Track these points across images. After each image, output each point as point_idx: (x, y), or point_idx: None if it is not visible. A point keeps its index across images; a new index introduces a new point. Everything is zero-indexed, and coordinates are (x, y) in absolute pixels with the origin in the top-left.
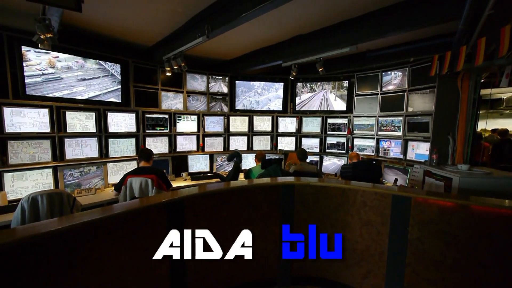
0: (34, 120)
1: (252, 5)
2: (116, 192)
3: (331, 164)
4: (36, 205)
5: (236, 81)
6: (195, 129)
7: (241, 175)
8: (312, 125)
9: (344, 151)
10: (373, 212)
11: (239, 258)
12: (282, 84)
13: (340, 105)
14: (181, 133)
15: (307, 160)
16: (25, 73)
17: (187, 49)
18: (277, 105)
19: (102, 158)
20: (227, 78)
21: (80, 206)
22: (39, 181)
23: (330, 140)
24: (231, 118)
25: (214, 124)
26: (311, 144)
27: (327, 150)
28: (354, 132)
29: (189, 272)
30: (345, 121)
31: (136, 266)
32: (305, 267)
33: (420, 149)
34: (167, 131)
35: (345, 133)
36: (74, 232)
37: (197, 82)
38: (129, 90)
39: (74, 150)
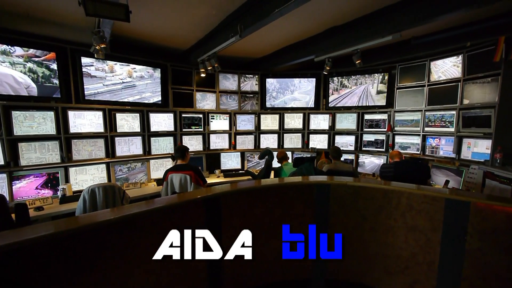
0: (91, 121)
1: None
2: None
3: (369, 163)
4: (94, 196)
5: (267, 79)
6: (227, 128)
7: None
8: (347, 121)
9: (383, 149)
10: (421, 217)
11: (273, 255)
12: (314, 79)
13: (379, 100)
14: (214, 132)
15: (341, 159)
16: (110, 82)
17: (220, 49)
18: (303, 102)
19: (146, 155)
20: (257, 77)
21: (128, 198)
22: (96, 175)
23: (367, 138)
24: (262, 116)
25: (245, 122)
26: (345, 142)
27: (364, 148)
28: (395, 128)
29: (225, 267)
30: (384, 117)
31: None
32: (341, 271)
33: (479, 147)
34: (201, 129)
35: (385, 130)
36: (126, 222)
37: (228, 82)
38: (167, 92)
39: (122, 148)
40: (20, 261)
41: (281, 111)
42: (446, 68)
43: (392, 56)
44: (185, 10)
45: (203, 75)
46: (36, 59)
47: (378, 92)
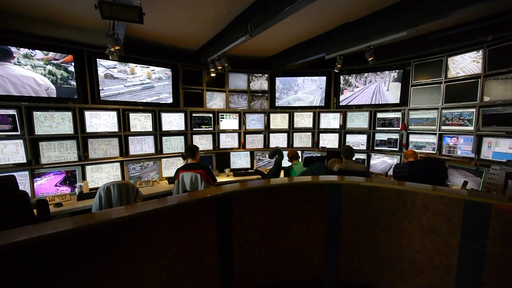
0: (106, 121)
1: None
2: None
3: (381, 162)
4: (109, 193)
5: (277, 78)
6: (236, 127)
7: (282, 173)
8: (358, 120)
9: (396, 149)
10: (438, 219)
11: (282, 255)
12: (317, 79)
13: (393, 98)
14: (224, 131)
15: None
16: (131, 83)
17: (230, 49)
18: (307, 102)
19: (157, 154)
20: (267, 75)
21: (142, 195)
22: (110, 173)
23: (379, 137)
24: (271, 115)
25: (254, 121)
26: (357, 141)
27: (376, 148)
28: (410, 127)
29: (235, 265)
30: (398, 115)
31: (189, 254)
32: (353, 272)
33: (501, 147)
34: (211, 129)
35: (398, 128)
36: (140, 219)
37: (238, 81)
38: (178, 92)
39: (136, 146)
40: (45, 253)
41: (290, 110)
42: (465, 64)
43: (407, 52)
44: (196, 10)
45: (213, 74)
46: (55, 61)
47: (391, 90)
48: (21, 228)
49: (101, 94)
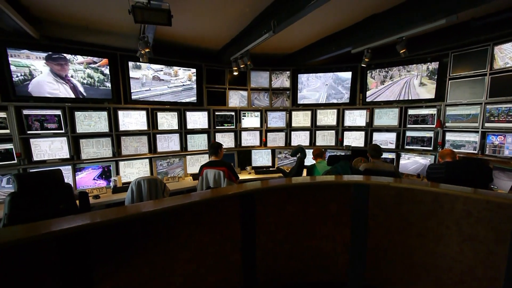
0: (137, 120)
1: None
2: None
3: (412, 162)
4: (140, 187)
5: (299, 74)
6: (258, 125)
7: (305, 171)
8: (387, 117)
9: (430, 148)
10: (482, 226)
11: (305, 255)
12: (349, 73)
13: (426, 93)
14: (246, 129)
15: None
16: (173, 85)
17: (253, 47)
18: (312, 100)
19: (183, 151)
20: (289, 72)
21: (169, 191)
22: (140, 169)
23: (410, 135)
24: (293, 113)
25: (276, 119)
26: (384, 139)
27: (407, 147)
28: (447, 124)
29: (258, 262)
30: (432, 111)
31: (214, 248)
32: (381, 278)
33: None
34: (233, 127)
35: (433, 126)
36: (168, 213)
37: (260, 79)
38: (202, 91)
39: (163, 144)
40: (89, 241)
41: (313, 107)
42: None
43: (444, 42)
44: (219, 9)
45: (235, 73)
46: (93, 65)
47: (425, 84)
48: (69, 216)
49: (145, 94)
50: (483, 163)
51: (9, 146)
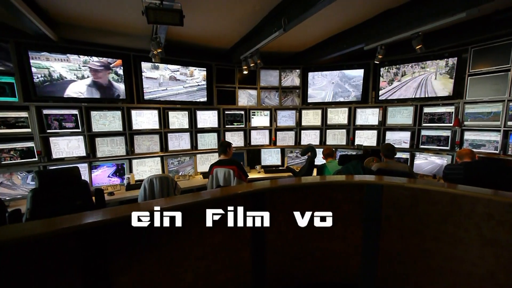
0: (149, 119)
1: None
2: None
3: (427, 163)
4: (152, 185)
5: (309, 73)
6: (267, 124)
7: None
8: (401, 116)
9: (447, 147)
10: (505, 230)
11: (316, 255)
12: (357, 71)
13: (443, 90)
14: (255, 128)
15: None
16: (189, 85)
17: (263, 45)
18: (318, 98)
19: (193, 150)
20: (299, 71)
21: (179, 188)
22: (152, 167)
23: (426, 134)
24: (303, 112)
25: (286, 118)
26: (398, 139)
27: (422, 146)
28: (465, 123)
29: (268, 261)
30: (450, 109)
31: (226, 246)
32: (395, 280)
33: None
34: (243, 126)
35: (451, 124)
36: (185, 208)
37: (269, 78)
38: (212, 90)
39: (174, 143)
40: (106, 235)
41: (324, 106)
42: None
43: (463, 37)
44: (229, 8)
45: (245, 72)
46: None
47: (442, 81)
48: (87, 212)
49: (162, 94)
50: (504, 163)
51: (30, 144)
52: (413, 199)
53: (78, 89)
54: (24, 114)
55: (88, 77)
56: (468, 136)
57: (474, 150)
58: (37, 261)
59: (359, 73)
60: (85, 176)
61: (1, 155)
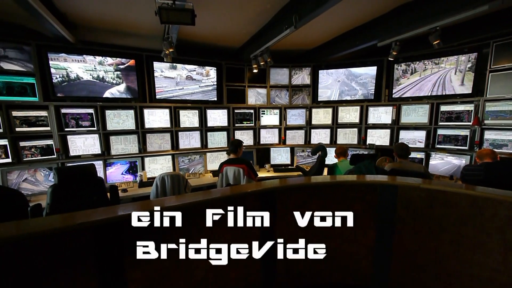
0: (160, 118)
1: None
2: None
3: (444, 163)
4: (164, 183)
5: (320, 71)
6: (277, 123)
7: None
8: (416, 114)
9: (466, 147)
10: None
11: (326, 256)
12: (369, 68)
13: (462, 87)
14: (265, 127)
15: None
16: (204, 84)
17: (273, 43)
18: (324, 97)
19: (203, 148)
20: (309, 69)
21: (190, 186)
22: (164, 165)
23: (442, 133)
24: (313, 110)
25: (295, 117)
26: (413, 138)
27: (438, 146)
28: (486, 121)
29: (278, 261)
30: (469, 107)
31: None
32: (406, 284)
33: None
34: (252, 124)
35: (469, 123)
36: (190, 209)
37: (279, 76)
38: (222, 89)
39: (184, 141)
40: (120, 231)
41: (334, 104)
42: None
43: (484, 31)
44: (240, 7)
45: (255, 71)
46: (122, 66)
47: (460, 78)
48: (103, 208)
49: (178, 93)
50: None
51: (49, 142)
52: (429, 201)
53: (94, 89)
54: (44, 113)
55: (103, 77)
56: (489, 135)
57: (496, 150)
58: (57, 254)
59: (366, 70)
60: (100, 173)
61: (23, 152)
